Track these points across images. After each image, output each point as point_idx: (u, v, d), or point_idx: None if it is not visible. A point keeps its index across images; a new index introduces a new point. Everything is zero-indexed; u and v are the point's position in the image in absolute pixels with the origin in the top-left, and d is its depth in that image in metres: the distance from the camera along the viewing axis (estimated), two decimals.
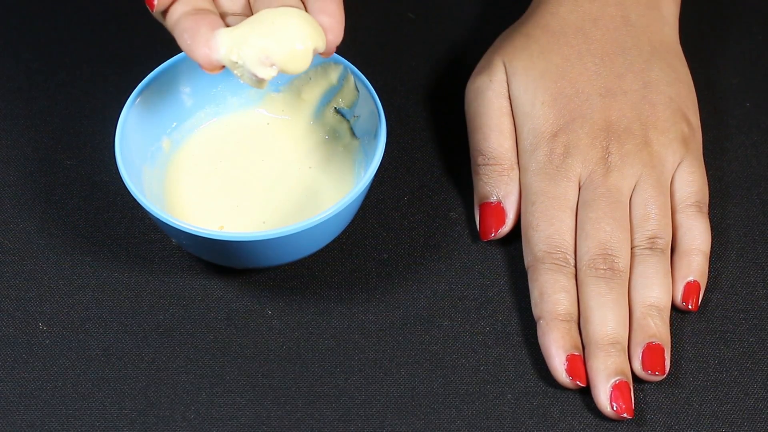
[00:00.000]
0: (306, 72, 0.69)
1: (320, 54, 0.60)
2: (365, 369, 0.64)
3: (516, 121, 0.69)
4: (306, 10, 0.60)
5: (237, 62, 0.59)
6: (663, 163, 0.67)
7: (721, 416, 0.63)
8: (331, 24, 0.60)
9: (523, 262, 0.67)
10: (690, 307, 0.65)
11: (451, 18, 0.79)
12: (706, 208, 0.68)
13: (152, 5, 0.60)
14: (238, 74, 0.60)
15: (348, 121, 0.70)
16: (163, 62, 0.68)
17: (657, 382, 0.64)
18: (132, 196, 0.63)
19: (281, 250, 0.64)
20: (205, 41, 0.59)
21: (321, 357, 0.65)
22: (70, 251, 0.68)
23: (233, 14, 0.62)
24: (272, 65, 0.59)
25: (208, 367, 0.64)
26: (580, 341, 0.64)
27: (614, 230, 0.65)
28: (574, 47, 0.69)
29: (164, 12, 0.61)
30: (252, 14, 0.61)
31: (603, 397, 0.62)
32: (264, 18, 0.59)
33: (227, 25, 0.60)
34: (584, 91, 0.68)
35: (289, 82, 0.70)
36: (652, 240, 0.66)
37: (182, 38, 0.59)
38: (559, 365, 0.63)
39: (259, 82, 0.60)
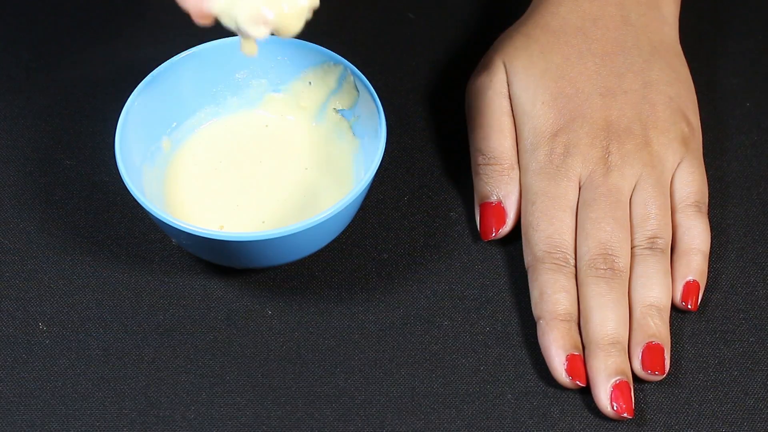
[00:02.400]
0: (304, 72, 0.70)
1: None
2: (365, 369, 0.64)
3: (516, 121, 0.69)
4: None
5: (229, 17, 0.58)
6: (663, 162, 0.67)
7: (721, 416, 0.63)
8: None
9: (523, 262, 0.67)
10: (689, 306, 0.65)
11: (451, 18, 0.79)
12: (705, 208, 0.68)
13: None
14: (230, 26, 0.58)
15: (348, 121, 0.70)
16: (163, 62, 0.68)
17: (657, 382, 0.64)
18: (132, 196, 0.63)
19: (281, 250, 0.64)
20: None
21: (321, 357, 0.65)
22: (70, 251, 0.68)
23: None
24: (265, 23, 0.58)
25: (208, 367, 0.64)
26: (580, 341, 0.64)
27: (614, 230, 0.65)
28: (575, 47, 0.69)
29: None
30: None
31: (603, 397, 0.62)
32: None
33: None
34: (584, 91, 0.68)
35: (289, 84, 0.70)
36: (652, 240, 0.66)
37: None
38: (559, 365, 0.63)
39: (249, 39, 0.59)
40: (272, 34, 0.59)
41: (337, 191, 0.68)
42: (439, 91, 0.75)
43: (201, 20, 0.58)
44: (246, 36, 0.58)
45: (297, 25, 0.58)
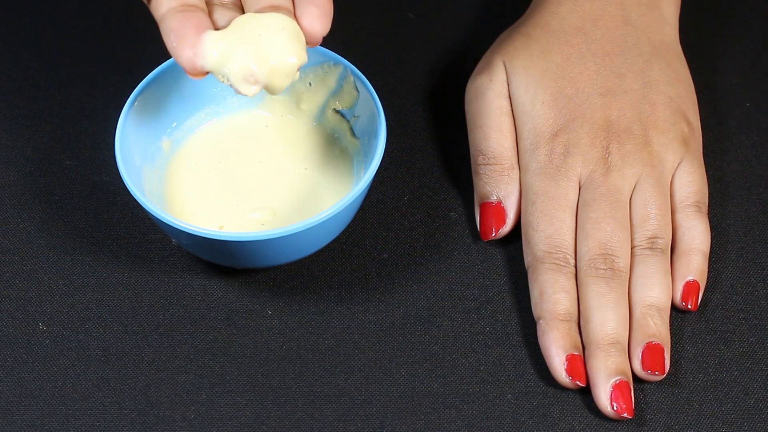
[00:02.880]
0: (304, 73, 0.70)
1: (307, 44, 0.60)
2: (365, 369, 0.64)
3: (516, 121, 0.69)
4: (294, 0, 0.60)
5: (221, 74, 0.60)
6: (663, 163, 0.67)
7: (721, 416, 0.63)
8: (319, 15, 0.60)
9: (523, 262, 0.67)
10: (689, 306, 0.65)
11: (451, 18, 0.79)
12: (705, 208, 0.68)
13: None
14: (223, 82, 0.60)
15: (348, 121, 0.70)
16: (163, 62, 0.68)
17: (657, 382, 0.64)
18: (132, 196, 0.63)
19: (281, 250, 0.64)
20: (190, 45, 0.59)
21: (321, 357, 0.65)
22: (70, 251, 0.68)
23: (222, 5, 0.61)
24: (256, 83, 0.60)
25: (208, 367, 0.64)
26: (580, 341, 0.64)
27: (614, 230, 0.65)
28: (575, 47, 0.69)
29: None
30: (242, 5, 0.61)
31: (603, 397, 0.62)
32: (251, 27, 0.59)
33: (214, 23, 0.60)
34: (584, 91, 0.68)
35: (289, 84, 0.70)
36: (652, 240, 0.66)
37: (168, 38, 0.59)
38: (559, 365, 0.63)
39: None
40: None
41: (337, 191, 0.68)
42: (439, 91, 0.75)
43: (194, 76, 0.60)
44: (238, 93, 0.60)
45: (285, 82, 0.60)
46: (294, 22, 0.60)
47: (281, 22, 0.59)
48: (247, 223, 0.67)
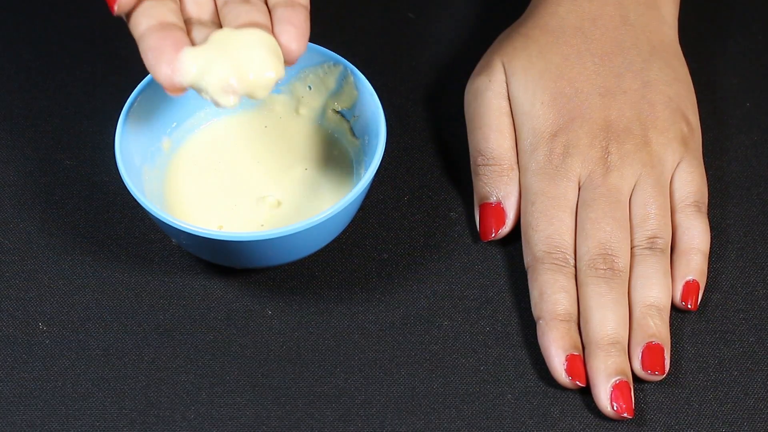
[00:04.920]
0: (304, 74, 0.70)
1: (284, 62, 0.61)
2: (365, 369, 0.65)
3: (515, 121, 0.69)
4: (272, 19, 0.61)
5: (200, 89, 0.60)
6: (662, 162, 0.67)
7: (721, 416, 0.63)
8: (296, 35, 0.60)
9: (523, 262, 0.67)
10: (689, 306, 0.65)
11: (451, 18, 0.79)
12: (705, 208, 0.68)
13: (113, 8, 0.60)
14: (203, 96, 0.60)
15: (348, 121, 0.70)
16: None
17: (657, 382, 0.64)
18: (132, 196, 0.63)
19: (281, 250, 0.64)
20: (168, 62, 0.59)
21: (321, 357, 0.65)
22: (70, 251, 0.68)
23: (201, 23, 0.62)
24: (234, 93, 0.60)
25: (208, 367, 0.64)
26: (579, 341, 0.64)
27: (614, 230, 0.65)
28: (573, 47, 0.69)
29: (128, 15, 0.61)
30: (220, 23, 0.62)
31: (603, 397, 0.62)
32: (228, 42, 0.60)
33: (192, 41, 0.61)
34: (583, 91, 0.68)
35: (289, 84, 0.70)
36: (651, 240, 0.66)
37: (146, 56, 0.60)
38: (558, 365, 0.63)
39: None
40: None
41: (337, 191, 0.68)
42: (439, 91, 0.75)
43: (173, 92, 0.60)
44: (217, 105, 0.60)
45: (264, 93, 0.60)
46: (272, 38, 0.60)
47: (259, 37, 0.60)
48: (247, 223, 0.67)
